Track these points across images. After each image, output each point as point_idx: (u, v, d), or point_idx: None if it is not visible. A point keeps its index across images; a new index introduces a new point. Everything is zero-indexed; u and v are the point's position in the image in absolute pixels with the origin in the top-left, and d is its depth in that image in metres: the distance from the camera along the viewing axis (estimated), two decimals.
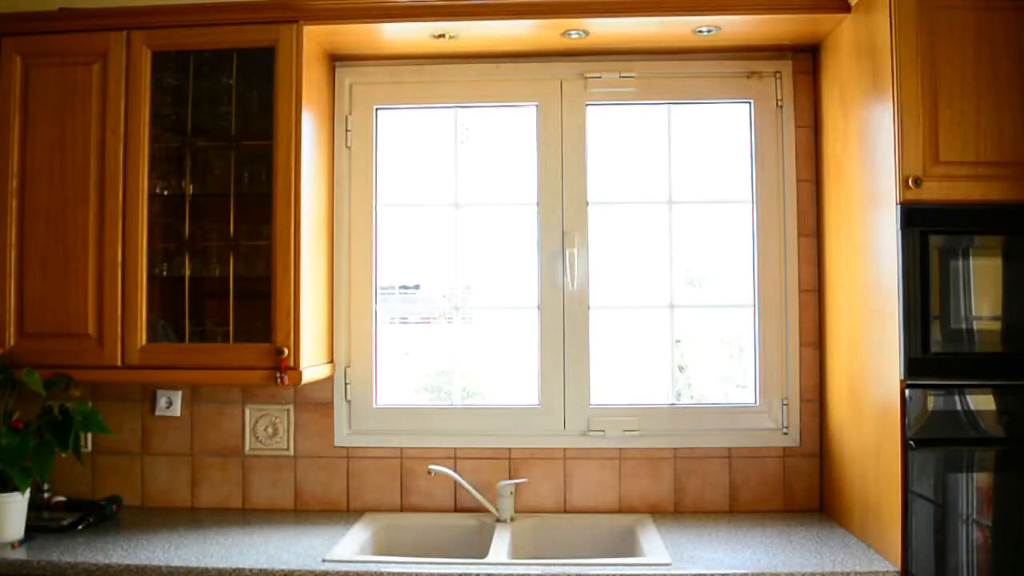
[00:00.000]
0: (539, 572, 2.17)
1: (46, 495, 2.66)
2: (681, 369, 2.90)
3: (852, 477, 2.45)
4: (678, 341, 2.86)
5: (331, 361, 2.80)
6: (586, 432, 2.77)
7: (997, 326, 2.14)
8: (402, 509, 2.78)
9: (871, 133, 2.32)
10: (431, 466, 2.65)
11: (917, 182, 2.12)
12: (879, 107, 2.24)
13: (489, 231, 2.91)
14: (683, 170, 2.86)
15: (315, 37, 2.60)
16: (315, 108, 2.64)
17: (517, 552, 2.51)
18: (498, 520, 2.63)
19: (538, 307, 2.82)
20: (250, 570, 2.17)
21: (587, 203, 2.82)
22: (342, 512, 2.77)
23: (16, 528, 2.37)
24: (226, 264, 2.61)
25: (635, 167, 2.88)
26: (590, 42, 2.70)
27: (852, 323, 2.48)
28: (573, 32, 2.62)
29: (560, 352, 2.79)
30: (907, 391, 2.12)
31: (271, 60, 2.51)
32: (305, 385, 2.75)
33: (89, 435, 2.80)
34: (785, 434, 2.75)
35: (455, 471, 2.70)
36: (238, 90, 2.63)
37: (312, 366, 2.59)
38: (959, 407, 2.12)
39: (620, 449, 2.76)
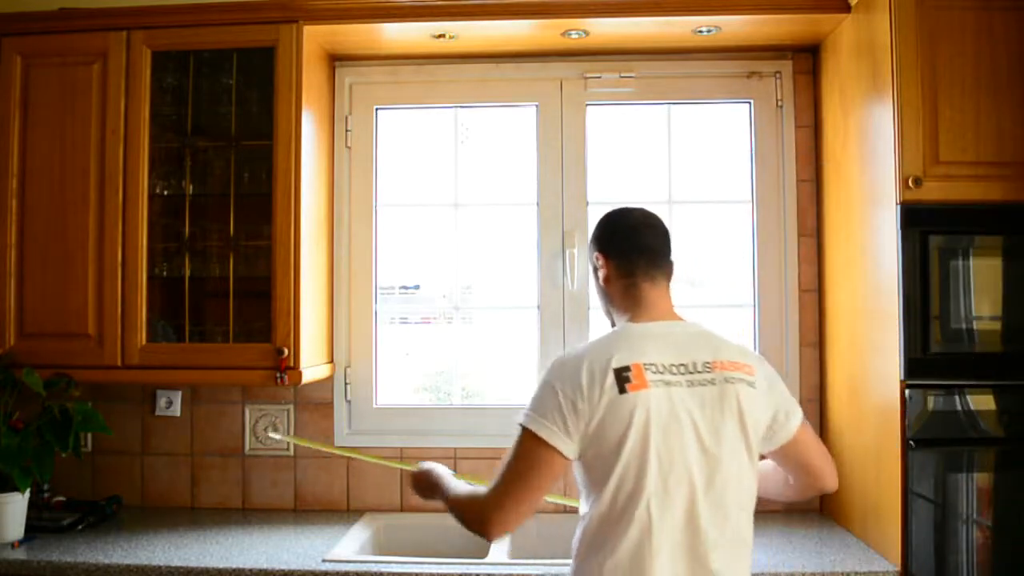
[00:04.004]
0: (539, 572, 2.17)
1: (46, 495, 2.66)
2: None
3: (852, 477, 2.45)
4: None
5: (331, 361, 2.80)
6: None
7: (997, 326, 2.14)
8: (402, 509, 2.78)
9: (871, 133, 2.31)
10: None
11: (917, 182, 2.11)
12: (879, 107, 2.24)
13: (489, 231, 2.91)
14: (683, 170, 2.85)
15: (315, 37, 2.60)
16: (315, 108, 2.64)
17: (517, 552, 2.50)
18: None
19: (538, 307, 2.82)
20: (250, 570, 2.17)
21: (587, 203, 2.82)
22: (342, 512, 2.76)
23: (16, 528, 2.37)
24: (226, 264, 2.61)
25: (635, 167, 2.88)
26: (590, 42, 2.70)
27: (852, 323, 2.48)
28: (573, 32, 2.62)
29: (560, 352, 2.78)
30: (907, 391, 2.12)
31: (271, 60, 2.50)
32: (305, 385, 2.75)
33: (89, 435, 2.79)
34: None
35: (455, 471, 2.69)
36: (238, 90, 2.63)
37: (312, 366, 2.59)
38: (959, 407, 2.12)
39: None
